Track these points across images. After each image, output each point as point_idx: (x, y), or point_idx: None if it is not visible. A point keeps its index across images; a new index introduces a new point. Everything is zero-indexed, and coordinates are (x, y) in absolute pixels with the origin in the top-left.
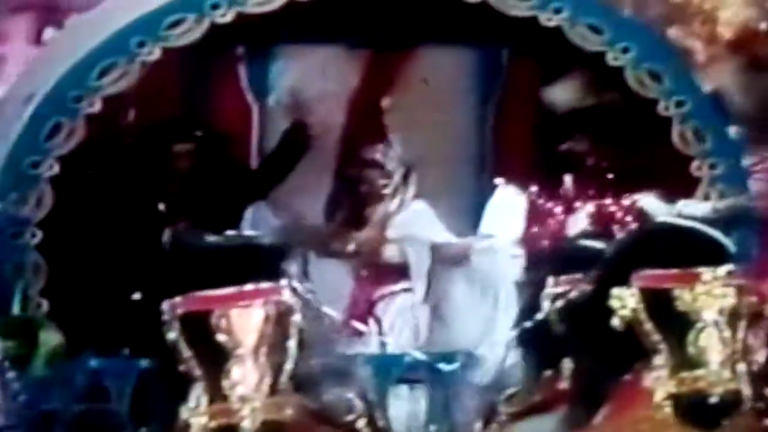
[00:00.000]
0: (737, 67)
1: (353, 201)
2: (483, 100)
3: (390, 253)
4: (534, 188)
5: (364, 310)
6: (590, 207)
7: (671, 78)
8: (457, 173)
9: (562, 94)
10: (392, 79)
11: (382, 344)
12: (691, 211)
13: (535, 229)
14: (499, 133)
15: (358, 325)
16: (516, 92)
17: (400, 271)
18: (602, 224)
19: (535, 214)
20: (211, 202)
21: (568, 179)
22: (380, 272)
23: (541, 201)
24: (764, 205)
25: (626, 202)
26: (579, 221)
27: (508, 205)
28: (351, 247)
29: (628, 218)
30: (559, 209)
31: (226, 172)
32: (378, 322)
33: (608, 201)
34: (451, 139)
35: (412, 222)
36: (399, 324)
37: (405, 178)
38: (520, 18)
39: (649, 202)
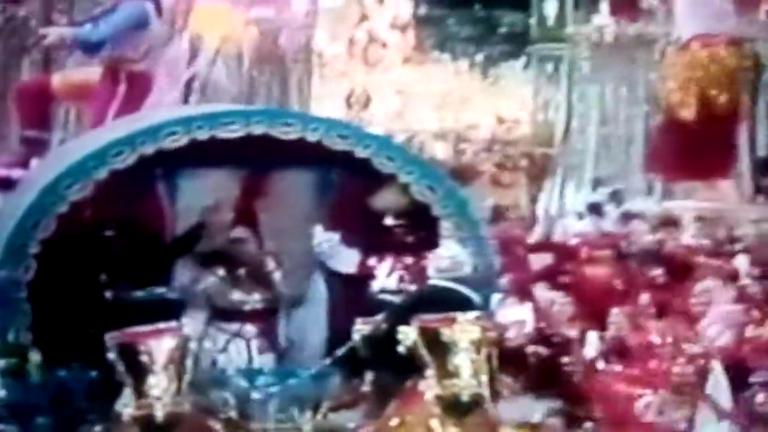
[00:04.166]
0: None
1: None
2: (320, 203)
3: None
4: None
5: None
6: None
7: (441, 190)
8: (304, 249)
9: (383, 200)
10: (261, 190)
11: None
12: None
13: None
14: (334, 226)
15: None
16: (346, 197)
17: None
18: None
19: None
20: (138, 269)
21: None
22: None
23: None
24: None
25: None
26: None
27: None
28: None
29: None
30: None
31: (147, 249)
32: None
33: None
34: (299, 230)
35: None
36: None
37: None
38: (343, 151)
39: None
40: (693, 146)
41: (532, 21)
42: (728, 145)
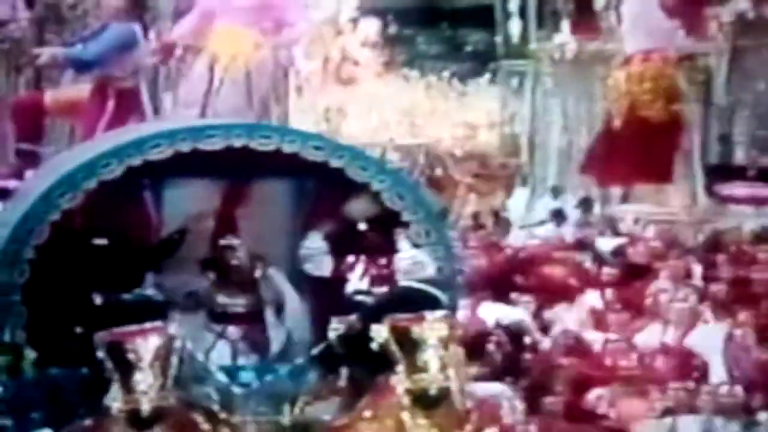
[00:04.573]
0: None
1: (219, 272)
2: (296, 210)
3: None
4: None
5: None
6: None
7: (411, 198)
8: (283, 254)
9: (356, 208)
10: (241, 199)
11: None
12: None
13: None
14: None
15: None
16: (320, 205)
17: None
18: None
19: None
20: (125, 272)
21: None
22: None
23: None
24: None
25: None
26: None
27: None
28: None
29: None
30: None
31: (134, 254)
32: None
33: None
34: (277, 237)
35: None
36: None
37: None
38: (318, 162)
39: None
40: (623, 154)
41: (498, 39)
42: (665, 153)
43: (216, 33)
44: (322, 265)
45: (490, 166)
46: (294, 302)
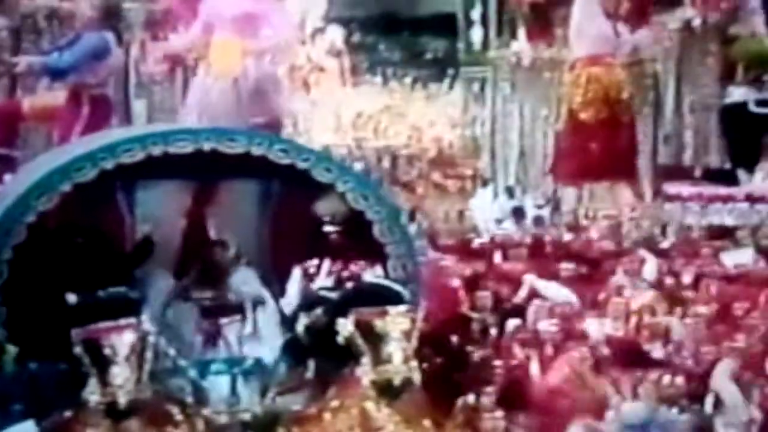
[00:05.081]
0: None
1: (202, 266)
2: (263, 211)
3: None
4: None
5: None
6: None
7: (373, 198)
8: (250, 252)
9: (325, 207)
10: (211, 199)
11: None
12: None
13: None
14: (277, 230)
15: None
16: (286, 205)
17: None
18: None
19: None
20: (100, 271)
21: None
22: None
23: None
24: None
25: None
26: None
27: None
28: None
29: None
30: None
31: (109, 253)
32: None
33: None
34: (245, 235)
35: (243, 279)
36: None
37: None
38: (285, 164)
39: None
40: (569, 154)
41: (460, 46)
42: (611, 155)
43: (212, 43)
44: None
45: (452, 168)
46: (265, 298)
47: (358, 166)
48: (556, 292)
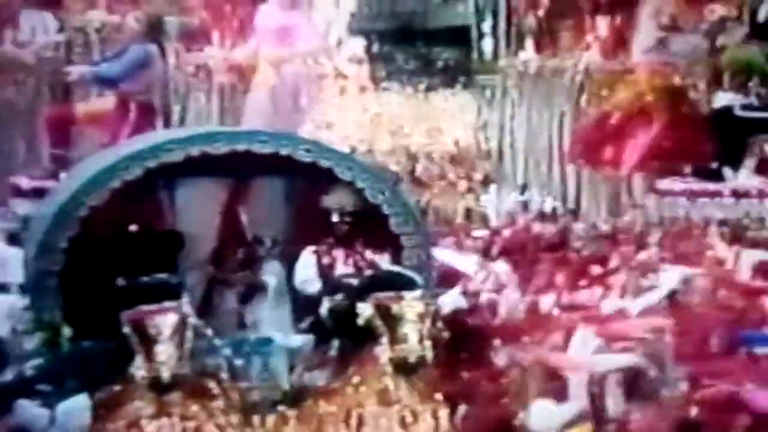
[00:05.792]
0: None
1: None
2: (290, 202)
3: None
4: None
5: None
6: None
7: (390, 193)
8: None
9: (334, 200)
10: (244, 196)
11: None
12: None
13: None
14: (300, 222)
15: None
16: (307, 199)
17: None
18: (355, 269)
19: (325, 265)
20: (145, 261)
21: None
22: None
23: (324, 258)
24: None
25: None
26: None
27: (307, 262)
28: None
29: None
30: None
31: (152, 243)
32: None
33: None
34: (271, 225)
35: (271, 270)
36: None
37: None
38: (307, 162)
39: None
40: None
41: (474, 56)
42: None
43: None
44: (313, 285)
45: (465, 167)
46: (285, 290)
47: (380, 166)
48: (457, 261)
